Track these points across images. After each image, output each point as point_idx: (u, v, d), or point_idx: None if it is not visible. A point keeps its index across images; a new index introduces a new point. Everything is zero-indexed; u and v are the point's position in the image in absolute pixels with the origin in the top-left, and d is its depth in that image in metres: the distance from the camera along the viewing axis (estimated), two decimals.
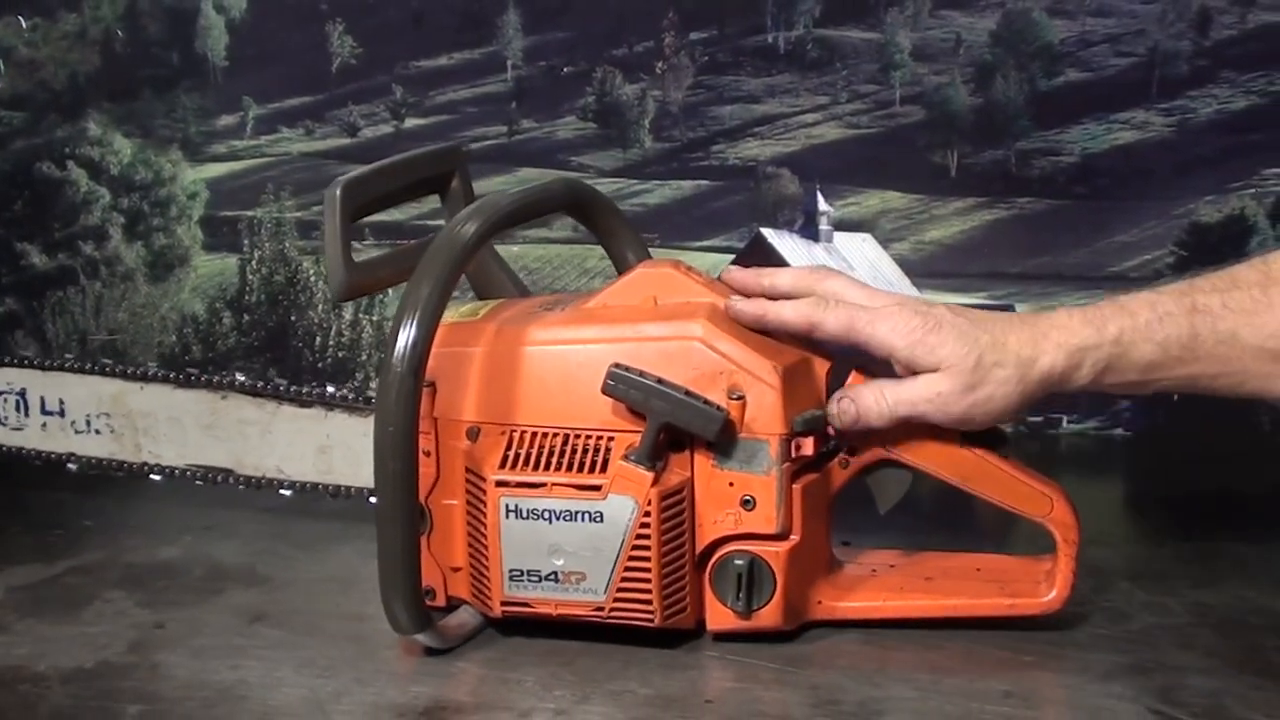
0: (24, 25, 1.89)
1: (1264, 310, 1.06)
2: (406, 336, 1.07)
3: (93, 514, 1.47)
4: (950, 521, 1.29)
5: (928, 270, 1.80)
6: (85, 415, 1.42)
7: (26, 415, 1.44)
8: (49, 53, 1.89)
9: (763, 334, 1.13)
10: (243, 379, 1.37)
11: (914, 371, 1.11)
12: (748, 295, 1.15)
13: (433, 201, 1.31)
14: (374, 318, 1.87)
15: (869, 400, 1.11)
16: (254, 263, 1.90)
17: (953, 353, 1.09)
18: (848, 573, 1.19)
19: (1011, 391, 1.09)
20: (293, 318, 1.89)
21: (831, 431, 1.13)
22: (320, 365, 1.87)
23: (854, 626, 1.16)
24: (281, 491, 1.37)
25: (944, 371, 1.09)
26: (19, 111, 1.91)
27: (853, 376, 1.14)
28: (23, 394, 1.44)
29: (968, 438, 1.13)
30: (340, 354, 1.88)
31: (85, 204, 1.91)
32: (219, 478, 1.39)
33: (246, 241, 1.89)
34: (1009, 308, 1.78)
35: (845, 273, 1.18)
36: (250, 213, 1.89)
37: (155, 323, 1.91)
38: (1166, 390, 1.10)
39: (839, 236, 1.82)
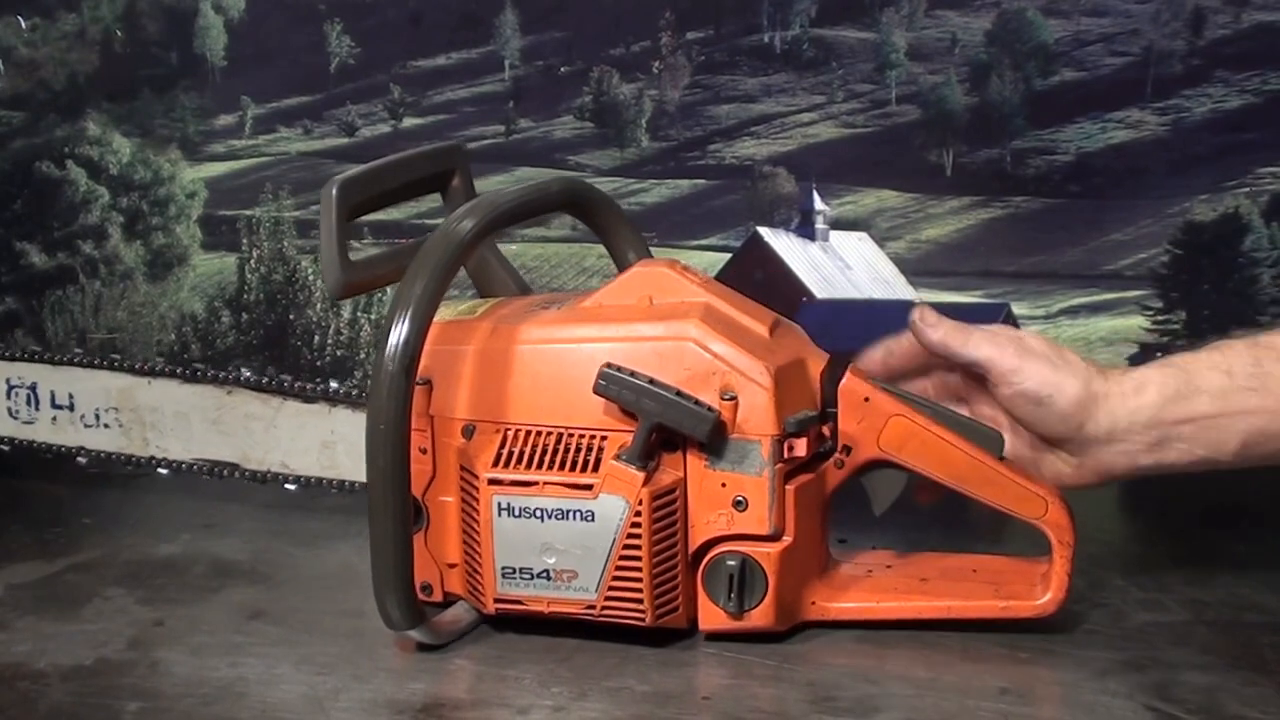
0: (24, 25, 1.90)
1: None
2: (399, 334, 1.06)
3: (92, 511, 1.47)
4: (946, 520, 1.29)
5: (923, 269, 1.80)
6: (94, 409, 1.43)
7: (37, 409, 1.45)
8: (48, 53, 1.90)
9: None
10: (249, 374, 1.37)
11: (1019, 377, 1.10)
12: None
13: (433, 200, 1.31)
14: (372, 316, 1.88)
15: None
16: (252, 261, 1.90)
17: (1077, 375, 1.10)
18: (843, 573, 1.18)
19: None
20: (291, 316, 1.89)
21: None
22: (319, 363, 1.87)
23: (849, 626, 1.16)
24: (286, 486, 1.37)
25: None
26: (19, 111, 1.91)
27: (848, 376, 1.13)
28: (33, 388, 1.45)
29: (972, 439, 1.13)
30: (339, 352, 1.89)
31: (84, 203, 1.91)
32: (225, 472, 1.39)
33: (245, 240, 1.90)
34: (1004, 306, 1.79)
35: None
36: (249, 212, 1.90)
37: (154, 321, 1.92)
38: (1236, 437, 1.10)
39: (835, 235, 1.83)
